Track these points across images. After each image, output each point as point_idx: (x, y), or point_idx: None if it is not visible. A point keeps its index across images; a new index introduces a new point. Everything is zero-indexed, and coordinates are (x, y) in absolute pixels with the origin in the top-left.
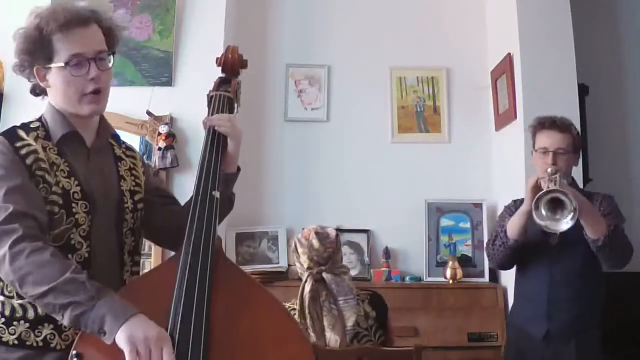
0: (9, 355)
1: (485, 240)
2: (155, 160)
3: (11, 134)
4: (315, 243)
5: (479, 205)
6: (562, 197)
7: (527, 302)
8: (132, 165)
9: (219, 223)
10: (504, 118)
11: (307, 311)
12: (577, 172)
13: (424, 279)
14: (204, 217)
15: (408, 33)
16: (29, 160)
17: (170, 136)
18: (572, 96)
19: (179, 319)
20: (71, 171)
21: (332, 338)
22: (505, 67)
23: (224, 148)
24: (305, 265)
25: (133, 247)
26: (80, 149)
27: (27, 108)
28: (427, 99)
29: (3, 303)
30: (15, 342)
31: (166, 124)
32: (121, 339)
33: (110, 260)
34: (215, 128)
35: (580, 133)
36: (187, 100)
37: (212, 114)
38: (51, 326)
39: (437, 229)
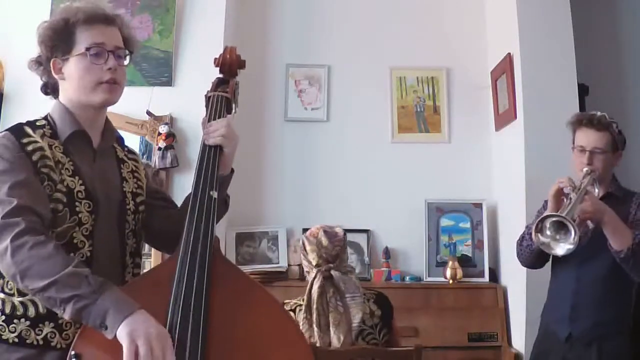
0: (9, 356)
1: (485, 240)
2: (155, 160)
3: (18, 130)
4: (324, 241)
5: (479, 205)
6: (568, 224)
7: (555, 302)
8: (134, 168)
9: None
10: (504, 118)
11: (314, 306)
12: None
13: (424, 279)
14: (202, 217)
15: (408, 33)
16: (35, 157)
17: (170, 136)
18: (572, 96)
19: (178, 318)
20: (76, 170)
21: (336, 335)
22: (505, 67)
23: (221, 149)
24: (314, 263)
25: (134, 249)
26: (87, 149)
27: (27, 108)
28: (427, 99)
29: (3, 301)
30: (16, 340)
31: (166, 124)
32: (122, 333)
33: (112, 260)
34: (205, 142)
35: (622, 132)
36: (187, 100)
37: (209, 115)
38: (52, 325)
39: (437, 229)
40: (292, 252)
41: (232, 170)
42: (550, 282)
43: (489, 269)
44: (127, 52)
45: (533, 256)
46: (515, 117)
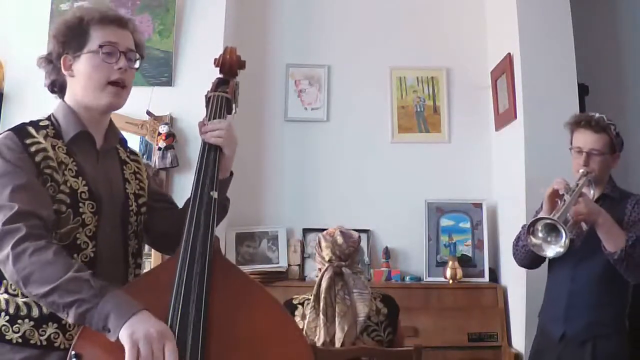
0: (13, 356)
1: (485, 240)
2: (155, 160)
3: (21, 131)
4: (340, 239)
5: (479, 205)
6: (559, 227)
7: (550, 303)
8: (136, 169)
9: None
10: (504, 118)
11: (322, 296)
12: None
13: (424, 279)
14: (202, 217)
15: (408, 33)
16: (38, 158)
17: (170, 136)
18: (572, 96)
19: (178, 318)
20: (79, 171)
21: (341, 325)
22: (505, 67)
23: (221, 151)
24: (327, 258)
25: (136, 250)
26: (90, 150)
27: (27, 108)
28: (427, 99)
29: (7, 301)
30: (19, 340)
31: (166, 124)
32: (124, 336)
33: (115, 261)
34: (205, 140)
35: (619, 134)
36: (187, 100)
37: (210, 115)
38: (55, 325)
39: (437, 229)
40: (292, 252)
41: (231, 174)
42: (547, 282)
43: (489, 269)
44: (137, 55)
45: (528, 256)
46: (515, 117)
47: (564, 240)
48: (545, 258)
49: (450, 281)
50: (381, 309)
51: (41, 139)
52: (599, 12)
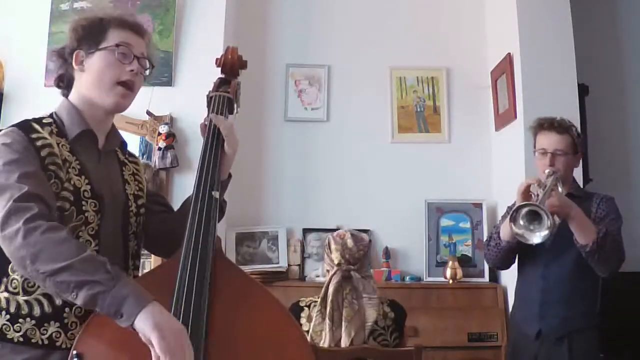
0: (14, 357)
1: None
2: (155, 160)
3: (26, 126)
4: (350, 243)
5: (479, 205)
6: (540, 212)
7: (523, 302)
8: (135, 171)
9: None
10: (504, 118)
11: (329, 299)
12: (577, 173)
13: (424, 279)
14: (203, 216)
15: (408, 33)
16: (43, 153)
17: (170, 136)
18: (572, 96)
19: (179, 318)
20: (82, 169)
21: (347, 330)
22: (505, 67)
23: (223, 151)
24: (336, 262)
25: (135, 251)
26: (93, 149)
27: (27, 108)
28: (427, 99)
29: (8, 300)
30: (21, 339)
31: (166, 124)
32: (146, 323)
33: (115, 261)
34: (220, 127)
35: (580, 135)
36: (187, 100)
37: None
38: (57, 324)
39: (437, 229)
40: (292, 252)
41: (230, 176)
42: (517, 283)
43: (489, 269)
44: (149, 63)
45: (501, 255)
46: (515, 117)
47: (547, 222)
48: (515, 258)
49: (450, 281)
50: (388, 313)
51: (46, 135)
52: (599, 12)
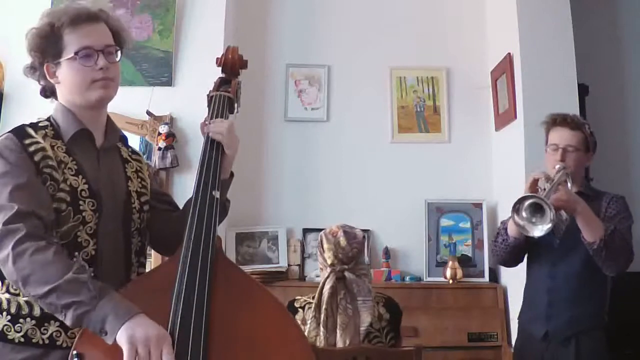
0: (15, 356)
1: (485, 240)
2: (155, 160)
3: (20, 131)
4: (342, 241)
5: (479, 205)
6: (543, 205)
7: (530, 302)
8: (138, 168)
9: None
10: (504, 118)
11: (323, 306)
12: None
13: (424, 279)
14: (204, 216)
15: (408, 33)
16: (37, 158)
17: (170, 136)
18: (572, 96)
19: (179, 318)
20: (79, 169)
21: (342, 338)
22: (505, 67)
23: (223, 151)
24: (329, 262)
25: (139, 248)
26: (90, 148)
27: (27, 108)
28: (427, 99)
29: (9, 300)
30: (22, 339)
31: (166, 124)
32: (122, 338)
33: (117, 259)
34: (210, 135)
35: (593, 134)
36: (187, 100)
37: (212, 115)
38: (57, 324)
39: (437, 229)
40: (292, 252)
41: (232, 175)
42: (526, 283)
43: (489, 269)
44: (116, 48)
45: (508, 252)
46: (515, 117)
47: (549, 215)
48: (523, 257)
49: (450, 281)
50: (383, 314)
51: (40, 139)
52: (599, 11)
